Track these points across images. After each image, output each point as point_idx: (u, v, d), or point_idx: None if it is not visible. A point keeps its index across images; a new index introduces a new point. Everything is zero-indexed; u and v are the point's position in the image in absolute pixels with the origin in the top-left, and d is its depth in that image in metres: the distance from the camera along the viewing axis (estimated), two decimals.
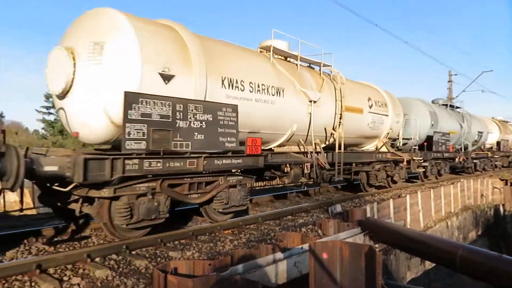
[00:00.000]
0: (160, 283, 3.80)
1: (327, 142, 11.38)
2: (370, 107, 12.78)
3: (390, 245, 7.65)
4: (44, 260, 5.14)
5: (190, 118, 6.65)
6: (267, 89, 8.60)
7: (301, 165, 9.67)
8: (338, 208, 9.95)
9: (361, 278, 3.98)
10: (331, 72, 11.48)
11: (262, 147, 9.81)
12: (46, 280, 4.71)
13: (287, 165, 9.24)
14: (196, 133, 6.75)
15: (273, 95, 8.75)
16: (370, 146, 14.14)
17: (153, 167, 6.14)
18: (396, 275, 9.29)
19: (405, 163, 13.99)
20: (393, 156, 13.88)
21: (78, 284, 4.73)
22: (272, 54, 9.42)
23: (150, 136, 6.03)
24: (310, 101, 9.88)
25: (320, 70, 11.08)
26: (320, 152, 10.81)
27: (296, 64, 10.16)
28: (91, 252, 5.55)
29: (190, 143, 6.64)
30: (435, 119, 17.89)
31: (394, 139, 16.07)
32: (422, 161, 16.08)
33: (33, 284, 4.67)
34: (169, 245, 6.44)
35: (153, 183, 6.27)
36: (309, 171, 9.86)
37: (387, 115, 13.85)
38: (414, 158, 15.16)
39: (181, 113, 6.49)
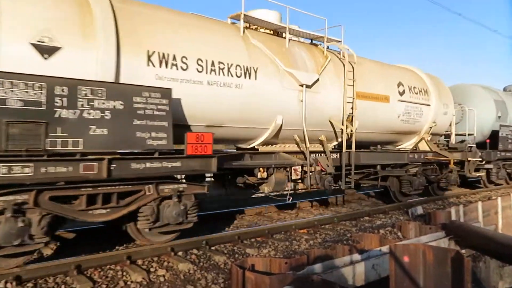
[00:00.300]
0: (238, 279, 3.92)
1: (339, 140, 8.96)
2: (401, 94, 10.02)
3: (479, 251, 7.15)
4: (134, 252, 5.49)
5: (83, 106, 4.82)
6: (229, 68, 6.51)
7: (287, 169, 7.42)
8: (419, 210, 9.24)
9: (447, 284, 3.85)
10: (341, 50, 8.98)
11: (242, 146, 7.84)
12: (135, 270, 5.02)
13: (262, 169, 7.04)
14: (94, 127, 4.90)
15: (238, 76, 6.63)
16: (408, 144, 11.32)
17: (16, 173, 4.39)
18: (486, 283, 8.17)
19: (452, 165, 10.94)
20: (436, 157, 10.92)
21: (164, 276, 4.99)
22: (244, 25, 7.25)
23: (4, 130, 4.30)
24: (302, 85, 7.57)
25: (324, 46, 8.66)
26: (324, 152, 8.46)
27: (286, 39, 7.88)
28: (174, 246, 5.81)
29: (82, 140, 4.81)
30: (503, 109, 14.32)
31: (447, 136, 13.04)
32: (482, 162, 12.81)
33: (124, 273, 5.00)
34: (246, 242, 6.55)
35: (23, 196, 4.55)
36: (299, 177, 7.58)
37: (428, 105, 10.91)
38: (469, 158, 12.00)
39: (64, 99, 4.68)
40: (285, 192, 7.46)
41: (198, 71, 6.12)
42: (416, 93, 10.53)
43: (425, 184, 10.61)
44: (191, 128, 6.36)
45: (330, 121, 8.42)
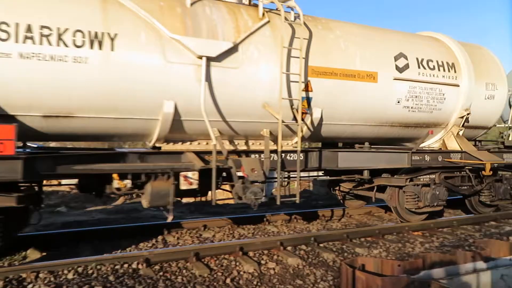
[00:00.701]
0: (348, 278, 3.93)
1: (302, 134, 6.54)
2: (402, 69, 7.04)
3: None
4: (245, 244, 5.80)
5: None
6: (60, 35, 4.63)
7: (169, 175, 5.30)
8: None
9: None
10: (292, 9, 6.40)
11: (154, 143, 5.90)
12: (247, 261, 5.29)
13: (116, 175, 5.02)
14: None
15: (78, 46, 4.73)
16: (432, 141, 8.20)
17: None
18: None
19: (487, 171, 7.49)
20: (465, 160, 7.61)
21: (274, 269, 5.17)
22: None
23: None
24: (200, 57, 5.37)
25: (259, 5, 6.17)
26: (275, 152, 6.17)
27: None
28: (283, 241, 6.02)
29: None
30: None
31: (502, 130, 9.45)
32: None
33: (237, 263, 5.29)
34: (355, 241, 6.51)
35: None
36: (194, 186, 5.40)
37: (455, 85, 7.65)
38: None
39: None
40: (169, 207, 5.31)
41: (0, 39, 4.41)
42: (432, 69, 7.38)
43: (445, 198, 7.41)
44: (16, 118, 4.71)
45: (266, 109, 6.02)
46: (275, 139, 6.47)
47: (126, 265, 4.97)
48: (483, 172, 7.51)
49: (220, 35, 5.60)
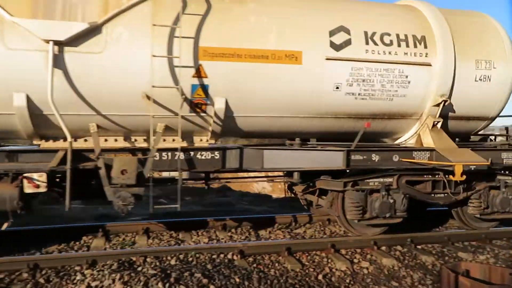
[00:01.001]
0: (450, 283, 3.75)
1: (210, 128, 5.62)
2: (339, 47, 5.59)
3: None
4: (337, 241, 5.77)
5: None
6: None
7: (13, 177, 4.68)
8: None
9: None
10: None
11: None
12: (339, 259, 5.27)
13: None
14: None
15: None
16: (407, 137, 6.59)
17: None
18: None
19: (458, 176, 5.66)
20: (436, 161, 5.87)
21: (367, 268, 5.07)
22: None
23: None
24: (48, 42, 4.64)
25: None
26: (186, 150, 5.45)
27: None
28: (377, 240, 5.85)
29: None
30: None
31: None
32: None
33: (329, 260, 5.29)
34: (457, 245, 6.17)
35: None
36: (41, 190, 4.71)
37: (425, 64, 5.96)
38: None
39: None
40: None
41: None
42: (388, 44, 5.80)
43: (404, 208, 5.79)
44: None
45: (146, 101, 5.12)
46: (186, 136, 5.64)
47: (222, 255, 5.22)
48: (451, 176, 5.73)
49: (80, 15, 4.83)
